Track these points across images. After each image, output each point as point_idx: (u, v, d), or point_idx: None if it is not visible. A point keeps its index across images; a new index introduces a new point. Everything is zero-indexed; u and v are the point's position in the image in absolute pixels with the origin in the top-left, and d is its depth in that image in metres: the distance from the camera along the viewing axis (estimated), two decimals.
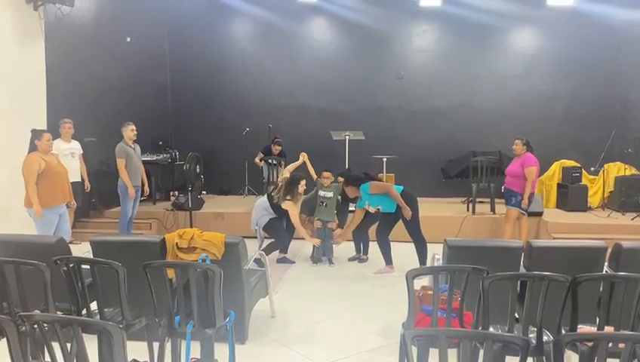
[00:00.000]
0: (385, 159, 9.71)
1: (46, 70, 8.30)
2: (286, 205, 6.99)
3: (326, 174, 7.46)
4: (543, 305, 3.14)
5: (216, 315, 3.49)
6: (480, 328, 3.23)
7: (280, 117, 11.44)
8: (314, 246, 7.35)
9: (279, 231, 7.31)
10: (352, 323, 5.13)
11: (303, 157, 7.82)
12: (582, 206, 9.39)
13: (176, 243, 4.25)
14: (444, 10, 11.09)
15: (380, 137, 10.80)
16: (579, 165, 9.88)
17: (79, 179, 8.10)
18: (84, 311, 3.57)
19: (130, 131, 7.98)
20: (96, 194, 9.27)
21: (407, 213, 6.56)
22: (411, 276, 3.30)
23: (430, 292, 3.50)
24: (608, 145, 9.49)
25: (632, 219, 8.58)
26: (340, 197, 7.45)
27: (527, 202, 7.64)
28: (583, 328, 3.42)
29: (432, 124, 11.39)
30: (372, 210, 6.81)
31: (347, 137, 9.62)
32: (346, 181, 7.09)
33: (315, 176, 7.72)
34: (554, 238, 8.02)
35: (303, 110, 11.67)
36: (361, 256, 7.55)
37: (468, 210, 9.30)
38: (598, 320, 3.41)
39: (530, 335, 3.28)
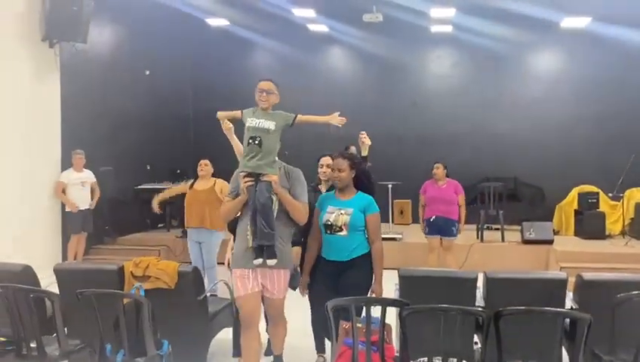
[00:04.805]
0: (390, 185, 9.56)
1: (62, 103, 8.69)
2: None
3: (265, 85, 3.90)
4: (459, 339, 3.05)
5: (147, 345, 3.54)
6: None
7: (297, 145, 11.51)
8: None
9: None
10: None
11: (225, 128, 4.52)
12: (599, 233, 8.97)
13: (132, 272, 4.35)
14: (456, 35, 11.05)
15: (393, 164, 10.64)
16: (596, 190, 9.49)
17: (88, 207, 8.37)
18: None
19: None
20: (110, 222, 9.55)
21: (380, 290, 4.04)
22: (330, 307, 3.26)
23: (359, 324, 3.44)
24: (627, 169, 9.07)
25: None
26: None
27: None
28: None
29: (448, 151, 11.09)
30: (342, 218, 4.12)
31: None
32: (354, 162, 4.41)
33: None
34: (562, 268, 7.70)
35: (321, 138, 11.70)
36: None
37: (478, 238, 9.07)
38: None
39: None
